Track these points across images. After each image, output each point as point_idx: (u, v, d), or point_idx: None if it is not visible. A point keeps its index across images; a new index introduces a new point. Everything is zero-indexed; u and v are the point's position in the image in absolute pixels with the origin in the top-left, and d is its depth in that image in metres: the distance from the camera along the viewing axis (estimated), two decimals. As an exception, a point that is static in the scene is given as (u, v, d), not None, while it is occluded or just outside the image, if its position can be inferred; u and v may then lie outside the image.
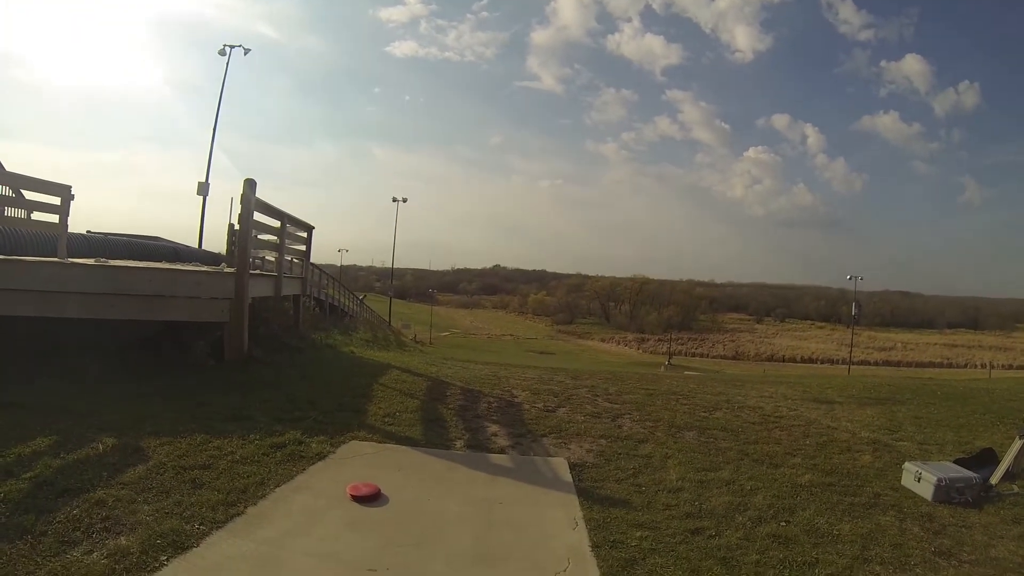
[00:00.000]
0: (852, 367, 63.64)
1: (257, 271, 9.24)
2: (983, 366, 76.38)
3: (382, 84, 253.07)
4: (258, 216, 8.36)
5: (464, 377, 9.31)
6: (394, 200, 51.57)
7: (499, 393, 8.10)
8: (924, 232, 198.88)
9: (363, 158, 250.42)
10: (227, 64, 27.58)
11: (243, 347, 7.58)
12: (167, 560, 3.14)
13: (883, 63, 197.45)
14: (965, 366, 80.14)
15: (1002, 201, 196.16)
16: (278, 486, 4.21)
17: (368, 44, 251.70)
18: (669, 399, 8.43)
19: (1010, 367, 71.36)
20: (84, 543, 3.19)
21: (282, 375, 7.54)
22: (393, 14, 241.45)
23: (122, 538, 3.28)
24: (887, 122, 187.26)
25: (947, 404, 9.26)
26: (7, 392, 5.56)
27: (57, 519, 3.39)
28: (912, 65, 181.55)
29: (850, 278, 60.96)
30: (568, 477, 4.89)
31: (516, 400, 7.72)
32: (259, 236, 8.77)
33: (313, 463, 4.73)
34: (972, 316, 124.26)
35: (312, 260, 12.68)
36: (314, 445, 5.10)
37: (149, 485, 3.98)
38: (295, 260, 11.59)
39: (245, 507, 3.84)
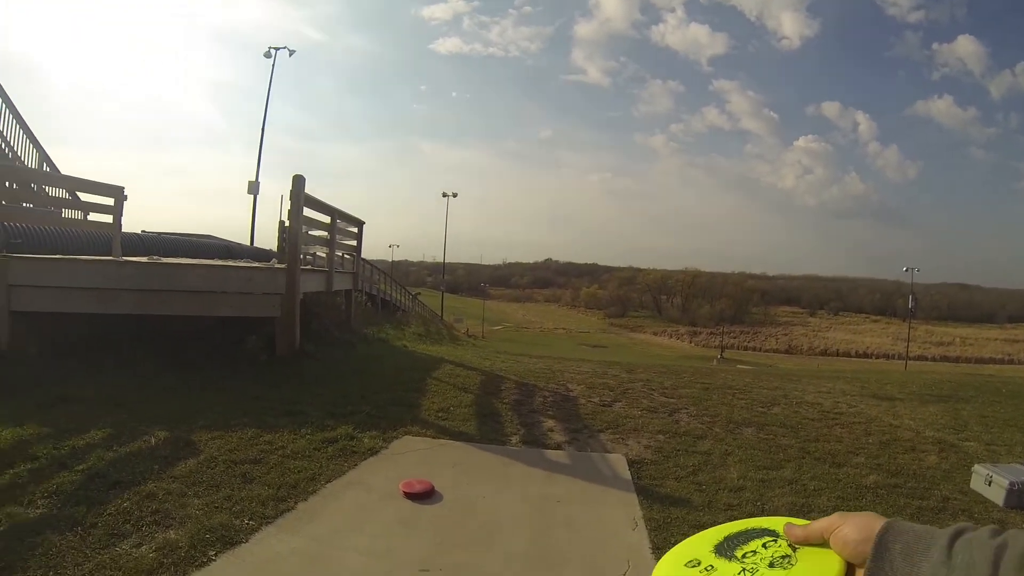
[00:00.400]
0: (909, 363, 60.73)
1: (308, 267, 9.26)
2: None
3: (428, 81, 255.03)
4: (308, 212, 8.33)
5: (518, 371, 9.13)
6: (444, 195, 51.66)
7: (554, 387, 7.89)
8: (982, 222, 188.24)
9: (411, 154, 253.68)
10: (273, 65, 28.06)
11: (295, 342, 7.56)
12: (215, 555, 3.05)
13: (935, 45, 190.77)
14: None
15: None
16: (329, 482, 4.10)
17: (412, 42, 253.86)
18: (725, 394, 8.15)
19: None
20: (133, 536, 3.14)
21: (334, 370, 7.50)
22: (436, 12, 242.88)
23: (171, 532, 3.21)
24: (941, 107, 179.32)
25: (1013, 402, 8.80)
26: (66, 386, 5.64)
27: (107, 511, 3.35)
28: (965, 46, 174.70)
29: (906, 270, 57.79)
30: (627, 474, 4.65)
31: (571, 394, 7.49)
32: (309, 232, 8.76)
33: (365, 458, 4.61)
34: None
35: (363, 256, 12.68)
36: (366, 440, 4.98)
37: (200, 479, 3.92)
38: (346, 256, 11.61)
39: (295, 503, 3.73)
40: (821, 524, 0.65)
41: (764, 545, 0.68)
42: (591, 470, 4.77)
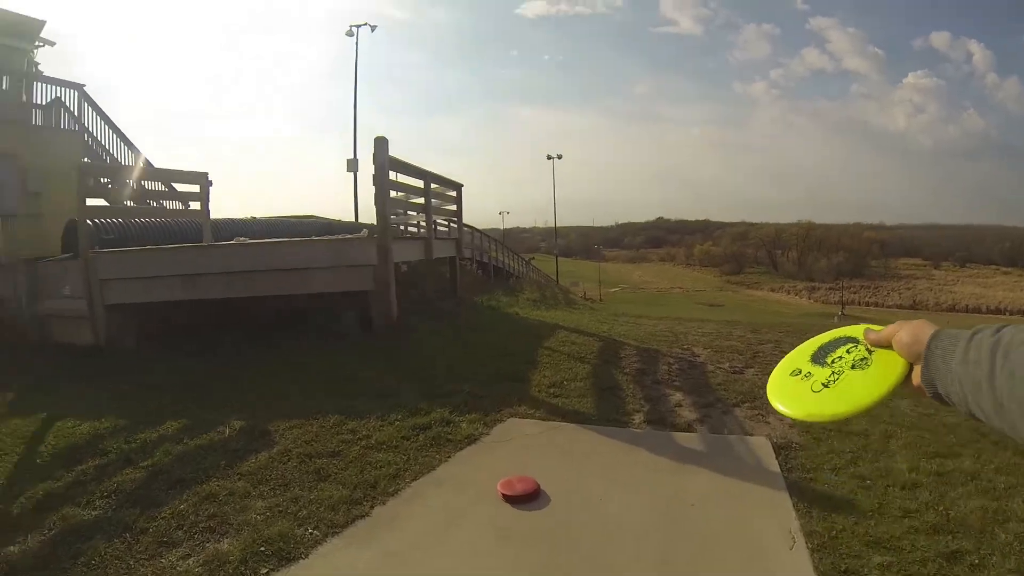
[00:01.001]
0: None
1: (404, 235, 8.73)
2: None
3: (518, 46, 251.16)
4: (397, 177, 7.79)
5: (638, 335, 8.29)
6: (548, 158, 50.33)
7: (678, 352, 7.00)
8: None
9: (510, 121, 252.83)
10: (356, 44, 27.89)
11: (392, 314, 7.06)
12: (267, 573, 2.51)
13: None
14: None
15: None
16: (415, 479, 3.47)
17: (497, 9, 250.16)
18: None
19: None
20: (183, 545, 2.74)
21: (435, 343, 6.92)
22: None
23: (224, 542, 2.76)
24: None
25: None
26: (151, 375, 5.43)
27: (162, 515, 2.99)
28: None
29: None
30: (774, 465, 3.69)
31: (698, 360, 6.57)
32: (401, 197, 8.23)
33: (461, 448, 3.95)
34: None
35: (474, 225, 12.12)
36: (464, 425, 4.32)
37: (268, 476, 3.42)
38: (447, 222, 11.06)
39: (371, 506, 3.12)
40: (889, 330, 0.78)
41: (848, 351, 0.84)
42: (730, 458, 3.85)
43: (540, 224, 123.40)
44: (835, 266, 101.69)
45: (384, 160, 7.39)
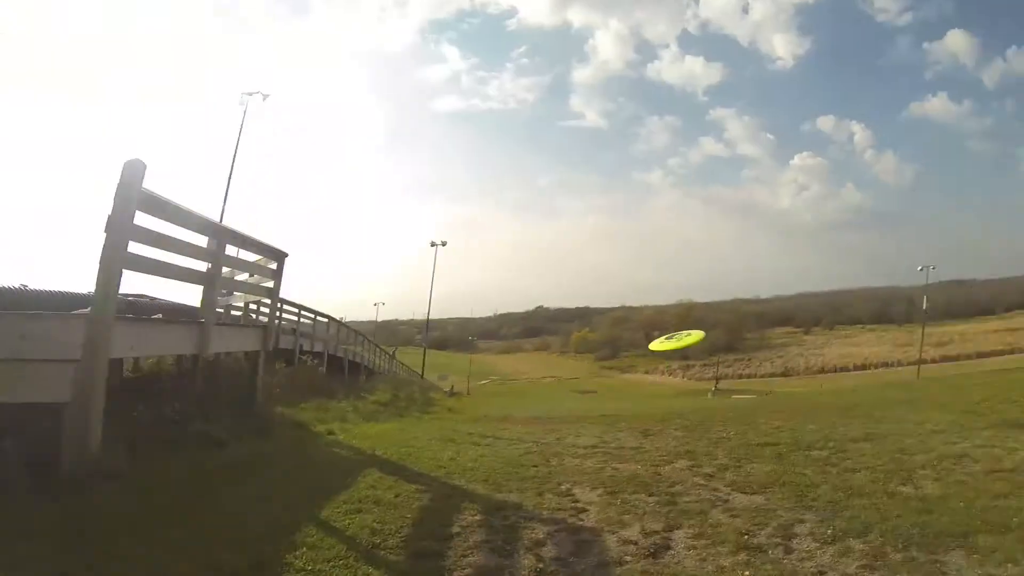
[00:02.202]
0: (911, 368, 60.39)
1: (157, 315, 5.94)
2: None
3: (428, 139, 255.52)
4: (152, 223, 5.16)
5: (491, 468, 6.12)
6: (432, 245, 48.84)
7: (552, 505, 4.83)
8: (980, 214, 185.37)
9: (411, 211, 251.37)
10: (244, 113, 25.68)
11: (88, 448, 4.25)
12: None
13: (926, 45, 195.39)
14: None
15: None
16: None
17: (414, 103, 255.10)
18: (826, 468, 5.84)
19: None
20: None
21: (155, 501, 4.14)
22: (435, 72, 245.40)
23: None
24: (936, 105, 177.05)
25: None
26: None
27: None
28: (956, 41, 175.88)
29: (921, 269, 55.43)
30: None
31: (586, 524, 4.37)
32: (163, 259, 5.54)
33: None
34: None
35: (347, 319, 9.57)
36: None
37: None
38: (260, 302, 8.39)
39: None
40: None
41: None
42: None
43: (419, 316, 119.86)
44: (710, 342, 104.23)
45: (131, 194, 4.78)
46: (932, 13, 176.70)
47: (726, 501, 4.79)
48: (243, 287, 8.04)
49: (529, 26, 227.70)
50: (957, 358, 75.21)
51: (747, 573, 3.42)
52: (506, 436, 9.13)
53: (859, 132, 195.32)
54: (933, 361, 69.52)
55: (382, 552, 3.71)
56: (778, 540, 3.88)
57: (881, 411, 9.39)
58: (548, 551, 3.85)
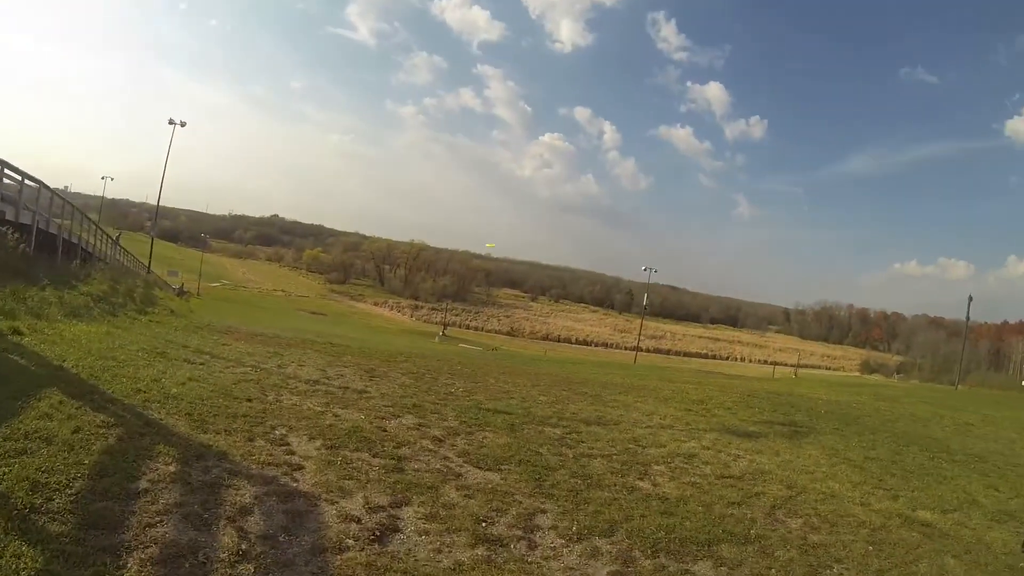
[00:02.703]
0: (627, 352, 69.84)
1: None
2: (742, 359, 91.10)
3: (191, 1, 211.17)
4: None
5: (197, 397, 5.31)
6: (171, 123, 41.23)
7: (263, 456, 4.17)
8: (698, 237, 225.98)
9: (147, 79, 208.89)
10: None
11: None
12: None
13: (689, 83, 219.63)
14: (727, 358, 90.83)
15: (767, 221, 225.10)
16: None
17: None
18: (562, 449, 5.70)
19: (766, 362, 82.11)
20: None
21: None
22: None
23: None
24: (682, 135, 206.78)
25: (865, 436, 8.38)
26: None
27: None
28: (715, 92, 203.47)
29: (645, 269, 62.99)
30: None
31: (299, 486, 3.80)
32: None
33: None
34: (732, 315, 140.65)
35: (70, 189, 7.10)
36: None
37: None
38: None
39: None
40: None
41: None
42: None
43: (151, 201, 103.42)
44: (440, 288, 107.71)
45: None
46: (703, 61, 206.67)
47: (459, 476, 4.42)
48: None
49: None
50: (668, 352, 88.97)
51: (490, 572, 3.02)
52: (224, 355, 8.23)
53: (609, 132, 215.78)
54: (647, 351, 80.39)
55: (43, 518, 2.78)
56: (519, 532, 3.59)
57: (610, 394, 9.65)
58: (254, 523, 3.19)
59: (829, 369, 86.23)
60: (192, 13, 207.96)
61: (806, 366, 77.50)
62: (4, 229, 10.74)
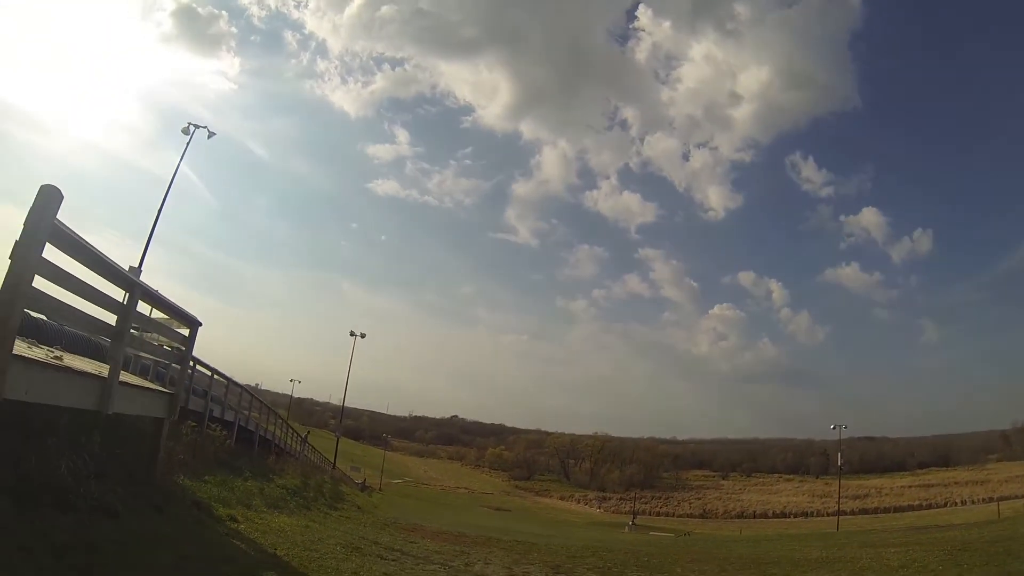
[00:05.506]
0: (829, 519, 62.34)
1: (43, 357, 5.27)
2: (962, 502, 76.71)
3: (360, 220, 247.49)
4: (62, 260, 4.71)
5: None
6: (352, 335, 47.59)
7: None
8: (887, 377, 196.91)
9: (331, 291, 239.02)
10: (188, 143, 24.94)
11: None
12: None
13: (843, 217, 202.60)
14: (945, 505, 77.67)
15: (960, 339, 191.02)
16: None
17: (353, 178, 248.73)
18: None
19: (990, 499, 68.75)
20: None
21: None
22: (380, 151, 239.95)
23: None
24: (848, 273, 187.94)
25: None
26: None
27: None
28: (870, 217, 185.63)
29: (834, 427, 58.48)
30: None
31: None
32: (68, 302, 5.01)
33: None
34: (943, 453, 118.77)
35: (263, 387, 8.83)
36: None
37: None
38: (169, 362, 7.72)
39: None
40: None
41: None
42: None
43: (335, 400, 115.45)
44: (627, 477, 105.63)
45: (43, 223, 4.37)
46: (851, 189, 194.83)
47: None
48: (151, 349, 7.39)
49: (481, 127, 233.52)
50: (875, 511, 78.84)
51: None
52: (414, 552, 8.71)
53: (776, 290, 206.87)
54: (852, 513, 72.39)
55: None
56: None
57: (800, 572, 9.25)
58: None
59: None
60: (362, 231, 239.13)
61: (1043, 491, 63.44)
62: (215, 426, 12.85)
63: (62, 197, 4.48)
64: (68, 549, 3.81)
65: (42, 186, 4.40)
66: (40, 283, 4.47)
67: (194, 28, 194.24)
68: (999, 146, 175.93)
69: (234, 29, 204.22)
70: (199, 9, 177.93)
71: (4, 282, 4.15)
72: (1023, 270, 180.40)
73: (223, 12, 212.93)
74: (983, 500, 73.08)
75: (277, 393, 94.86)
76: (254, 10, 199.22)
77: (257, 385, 77.57)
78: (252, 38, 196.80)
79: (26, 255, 4.23)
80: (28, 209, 4.36)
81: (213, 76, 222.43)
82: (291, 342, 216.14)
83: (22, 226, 4.30)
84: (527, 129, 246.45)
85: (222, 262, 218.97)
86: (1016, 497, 62.00)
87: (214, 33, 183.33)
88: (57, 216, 4.48)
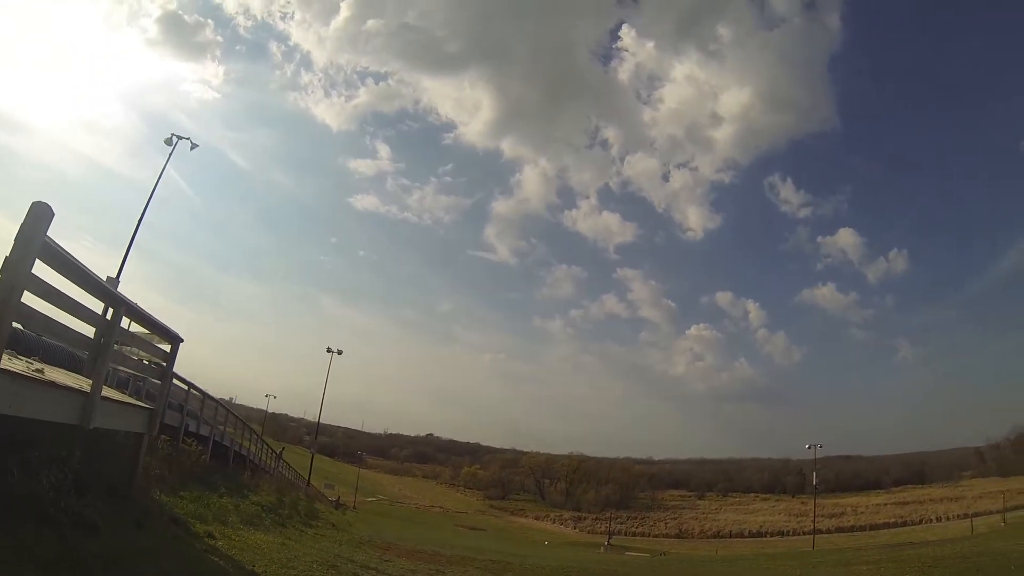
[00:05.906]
0: (805, 538, 62.69)
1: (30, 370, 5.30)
2: (937, 519, 77.15)
3: (339, 235, 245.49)
4: (49, 274, 4.78)
5: None
6: (328, 351, 47.25)
7: None
8: (862, 396, 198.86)
9: (309, 304, 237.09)
10: (170, 155, 25.09)
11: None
12: None
13: (819, 238, 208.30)
14: (920, 522, 78.12)
15: (936, 357, 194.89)
16: None
17: (334, 192, 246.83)
18: None
19: (964, 516, 69.38)
20: None
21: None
22: (361, 166, 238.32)
23: None
24: (825, 293, 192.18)
25: None
26: None
27: None
28: (846, 238, 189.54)
29: (809, 447, 59.39)
30: None
31: None
32: (55, 318, 5.08)
33: None
34: (918, 471, 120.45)
35: (238, 401, 8.88)
36: None
37: None
38: (148, 377, 7.74)
39: None
40: None
41: None
42: None
43: (310, 416, 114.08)
44: (603, 497, 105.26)
45: (34, 240, 4.45)
46: (828, 210, 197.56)
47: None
48: (132, 364, 7.41)
49: (462, 144, 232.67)
50: (851, 529, 79.18)
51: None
52: (389, 571, 8.75)
53: (754, 311, 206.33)
54: (828, 532, 72.72)
55: None
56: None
57: None
58: None
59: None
60: (341, 246, 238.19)
61: (1018, 507, 64.14)
62: (190, 440, 12.81)
63: (53, 214, 4.56)
64: (55, 565, 3.85)
65: (33, 203, 4.48)
66: (27, 298, 4.56)
67: (180, 35, 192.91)
68: (973, 166, 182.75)
69: (219, 38, 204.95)
70: (185, 17, 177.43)
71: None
72: (996, 290, 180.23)
73: (209, 21, 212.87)
74: (957, 516, 73.73)
75: (251, 408, 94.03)
76: (240, 20, 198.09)
77: (232, 399, 76.92)
78: (237, 47, 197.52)
79: (16, 271, 4.30)
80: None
81: (196, 84, 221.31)
82: (266, 356, 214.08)
83: (12, 242, 4.39)
84: (508, 147, 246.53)
85: (198, 271, 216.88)
86: (990, 513, 62.36)
87: (200, 41, 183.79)
88: (47, 233, 4.57)
